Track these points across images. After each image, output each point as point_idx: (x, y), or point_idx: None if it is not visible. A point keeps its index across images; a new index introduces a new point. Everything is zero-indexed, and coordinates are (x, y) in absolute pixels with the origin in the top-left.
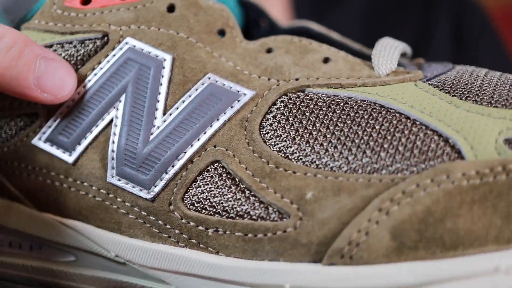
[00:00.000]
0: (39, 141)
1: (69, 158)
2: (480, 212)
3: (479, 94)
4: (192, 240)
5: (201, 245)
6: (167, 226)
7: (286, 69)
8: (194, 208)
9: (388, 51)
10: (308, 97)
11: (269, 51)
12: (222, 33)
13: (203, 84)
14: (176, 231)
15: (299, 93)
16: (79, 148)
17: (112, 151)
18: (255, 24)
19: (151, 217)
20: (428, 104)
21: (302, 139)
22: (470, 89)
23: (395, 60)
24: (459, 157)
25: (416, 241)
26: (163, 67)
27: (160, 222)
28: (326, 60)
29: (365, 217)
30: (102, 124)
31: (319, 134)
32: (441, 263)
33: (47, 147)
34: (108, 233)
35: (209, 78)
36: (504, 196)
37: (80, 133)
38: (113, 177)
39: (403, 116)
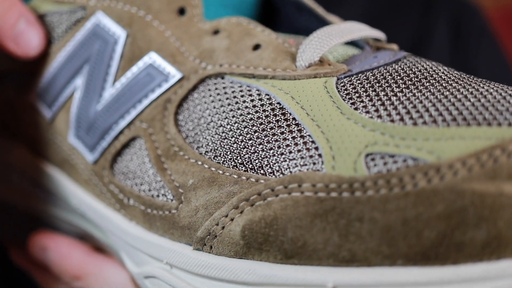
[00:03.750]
0: (32, 95)
1: (48, 114)
2: (320, 227)
3: (377, 101)
4: (117, 205)
5: (121, 210)
6: (104, 189)
7: (217, 53)
8: (118, 177)
9: (323, 39)
10: (223, 85)
11: (215, 32)
12: (182, 11)
13: (144, 62)
14: (108, 194)
15: (218, 79)
16: (54, 108)
17: (73, 114)
18: None
19: (96, 178)
20: (317, 107)
21: (202, 127)
22: (373, 94)
23: (322, 50)
24: (322, 167)
25: (260, 243)
26: (117, 43)
27: (100, 184)
28: (256, 47)
29: (224, 212)
30: (70, 89)
31: (216, 125)
32: (277, 269)
33: (36, 101)
34: (73, 184)
35: (150, 57)
36: (345, 214)
37: (55, 94)
38: (72, 137)
39: (291, 117)
